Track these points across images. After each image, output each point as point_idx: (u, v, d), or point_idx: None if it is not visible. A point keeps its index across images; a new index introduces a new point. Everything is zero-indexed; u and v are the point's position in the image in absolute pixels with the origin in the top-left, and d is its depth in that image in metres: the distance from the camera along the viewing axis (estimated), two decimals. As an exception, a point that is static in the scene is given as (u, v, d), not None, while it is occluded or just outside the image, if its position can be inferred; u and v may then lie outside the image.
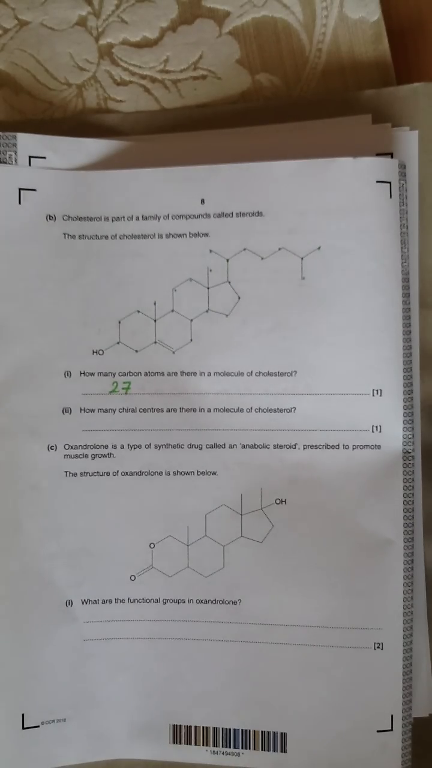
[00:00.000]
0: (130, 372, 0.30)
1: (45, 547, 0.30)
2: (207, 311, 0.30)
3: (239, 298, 0.30)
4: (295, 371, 0.30)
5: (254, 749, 0.30)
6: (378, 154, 0.30)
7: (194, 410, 0.30)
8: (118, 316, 0.30)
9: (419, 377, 0.31)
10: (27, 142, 0.30)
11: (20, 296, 0.30)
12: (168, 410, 0.30)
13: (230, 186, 0.30)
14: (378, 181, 0.29)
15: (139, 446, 0.30)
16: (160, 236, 0.30)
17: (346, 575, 0.29)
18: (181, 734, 0.30)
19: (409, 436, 0.29)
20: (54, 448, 0.30)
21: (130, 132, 0.33)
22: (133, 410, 0.30)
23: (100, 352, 0.30)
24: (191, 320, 0.30)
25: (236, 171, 0.30)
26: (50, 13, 0.33)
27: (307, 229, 0.29)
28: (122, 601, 0.30)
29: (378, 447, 0.29)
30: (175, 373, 0.30)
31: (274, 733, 0.30)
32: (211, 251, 0.30)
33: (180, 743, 0.30)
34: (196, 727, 0.30)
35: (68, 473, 0.30)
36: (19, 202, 0.30)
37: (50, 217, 0.30)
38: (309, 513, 0.30)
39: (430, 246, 0.31)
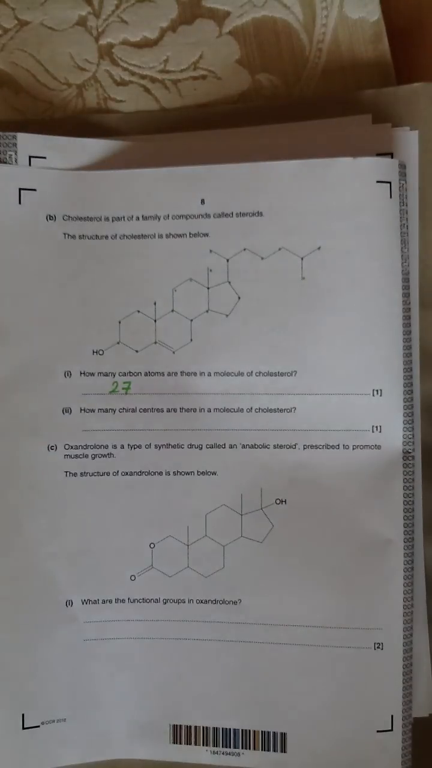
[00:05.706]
0: (130, 372, 0.30)
1: (45, 547, 0.30)
2: (207, 311, 0.30)
3: (239, 298, 0.30)
4: (295, 371, 0.30)
5: (254, 749, 0.30)
6: (378, 154, 0.30)
7: (194, 410, 0.30)
8: (118, 316, 0.30)
9: (419, 377, 0.31)
10: (27, 142, 0.30)
11: (20, 296, 0.30)
12: (168, 410, 0.30)
13: (230, 186, 0.30)
14: (378, 181, 0.29)
15: (139, 446, 0.30)
16: (160, 236, 0.30)
17: (346, 575, 0.29)
18: (181, 734, 0.30)
19: (409, 436, 0.29)
20: (54, 448, 0.30)
21: (130, 132, 0.33)
22: (133, 410, 0.30)
23: (100, 352, 0.30)
24: (191, 320, 0.30)
25: (236, 171, 0.30)
26: (50, 13, 0.33)
27: (307, 229, 0.29)
28: (122, 601, 0.30)
29: (378, 447, 0.29)
30: (175, 373, 0.30)
31: (274, 733, 0.30)
32: (211, 251, 0.30)
33: (180, 743, 0.30)
34: (196, 727, 0.30)
35: (68, 473, 0.30)
36: (19, 202, 0.30)
37: (50, 217, 0.30)
38: (309, 513, 0.30)
39: (431, 246, 0.31)
